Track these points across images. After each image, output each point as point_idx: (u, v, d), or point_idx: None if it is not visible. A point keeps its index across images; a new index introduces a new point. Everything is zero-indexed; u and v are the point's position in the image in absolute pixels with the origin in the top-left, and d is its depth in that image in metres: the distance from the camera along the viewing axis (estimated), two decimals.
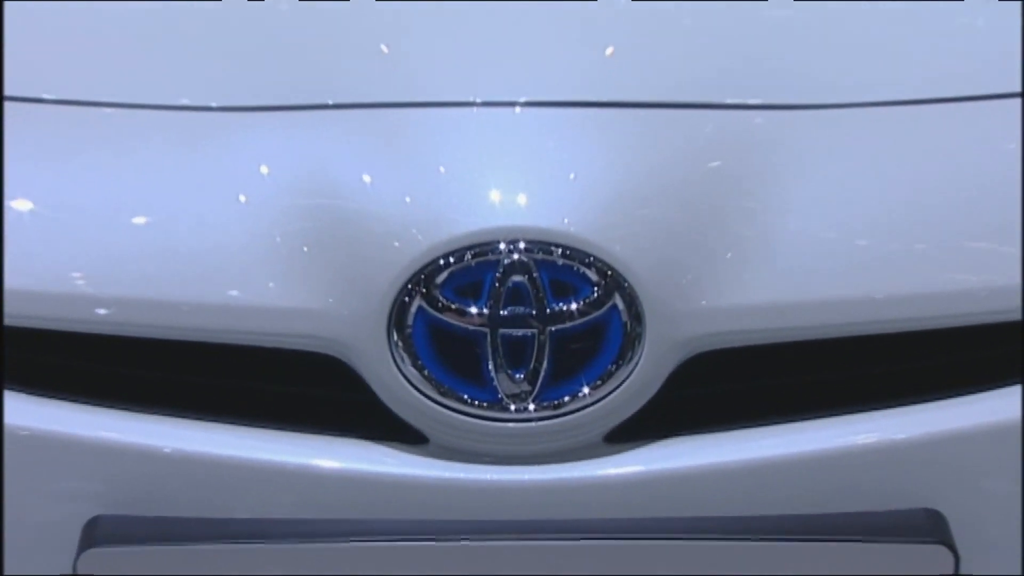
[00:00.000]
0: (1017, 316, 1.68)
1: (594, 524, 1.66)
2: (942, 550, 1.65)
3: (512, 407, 1.66)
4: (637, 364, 1.66)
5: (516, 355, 1.64)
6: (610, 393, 1.67)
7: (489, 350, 1.64)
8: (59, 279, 1.64)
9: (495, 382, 1.65)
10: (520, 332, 1.63)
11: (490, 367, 1.65)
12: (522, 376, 1.65)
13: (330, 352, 1.67)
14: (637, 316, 1.64)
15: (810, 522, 1.67)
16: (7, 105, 1.73)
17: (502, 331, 1.63)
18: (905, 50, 1.83)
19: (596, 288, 1.64)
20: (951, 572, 1.66)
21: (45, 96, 1.78)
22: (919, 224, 1.68)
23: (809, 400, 1.72)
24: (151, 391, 1.72)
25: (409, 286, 1.63)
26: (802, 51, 1.82)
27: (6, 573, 1.69)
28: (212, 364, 1.71)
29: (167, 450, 1.68)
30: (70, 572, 1.66)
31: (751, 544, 1.65)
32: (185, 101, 1.77)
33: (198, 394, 1.72)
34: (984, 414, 1.68)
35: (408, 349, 1.65)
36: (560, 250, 1.63)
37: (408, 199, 1.64)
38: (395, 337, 1.65)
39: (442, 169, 1.67)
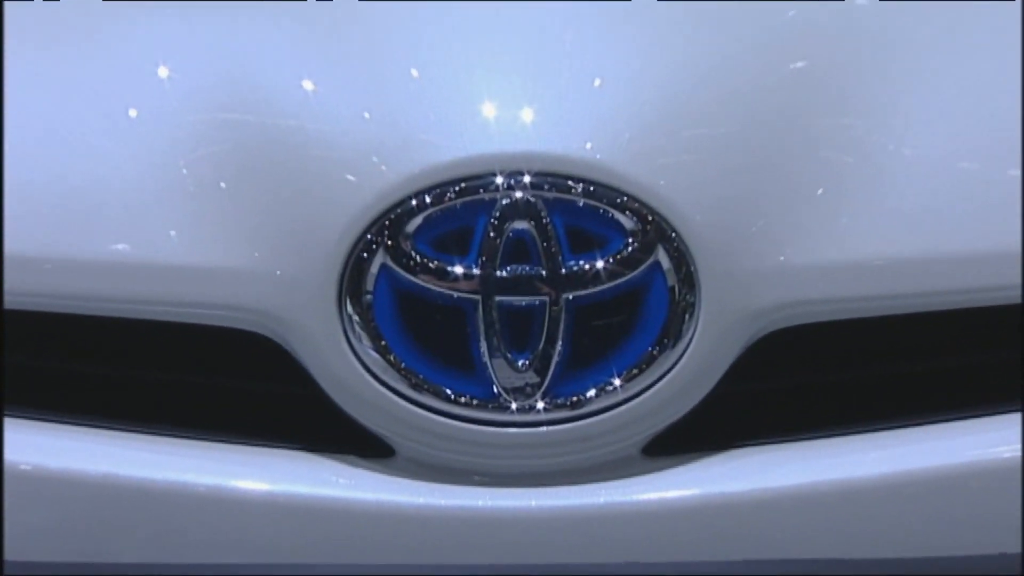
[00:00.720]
0: None
1: (628, 569, 1.53)
2: None
3: (513, 405, 1.50)
4: (688, 346, 1.49)
5: (519, 333, 1.49)
6: (651, 386, 1.50)
7: (481, 326, 1.48)
8: None
9: (489, 370, 1.49)
10: (525, 301, 1.47)
11: (482, 350, 1.48)
12: (527, 362, 1.48)
13: (257, 329, 1.53)
14: (688, 278, 1.48)
15: (938, 567, 1.53)
16: None
17: (499, 299, 1.47)
18: None
19: (632, 239, 1.47)
20: None
21: None
22: None
23: (919, 397, 1.57)
24: (10, 383, 1.58)
25: (368, 236, 1.47)
26: None
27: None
28: (95, 347, 1.57)
29: (24, 467, 1.53)
30: None
31: None
32: None
33: (75, 389, 1.59)
34: None
35: (366, 325, 1.49)
36: (581, 186, 1.47)
37: (367, 114, 1.50)
38: (348, 307, 1.49)
39: (414, 72, 1.52)
